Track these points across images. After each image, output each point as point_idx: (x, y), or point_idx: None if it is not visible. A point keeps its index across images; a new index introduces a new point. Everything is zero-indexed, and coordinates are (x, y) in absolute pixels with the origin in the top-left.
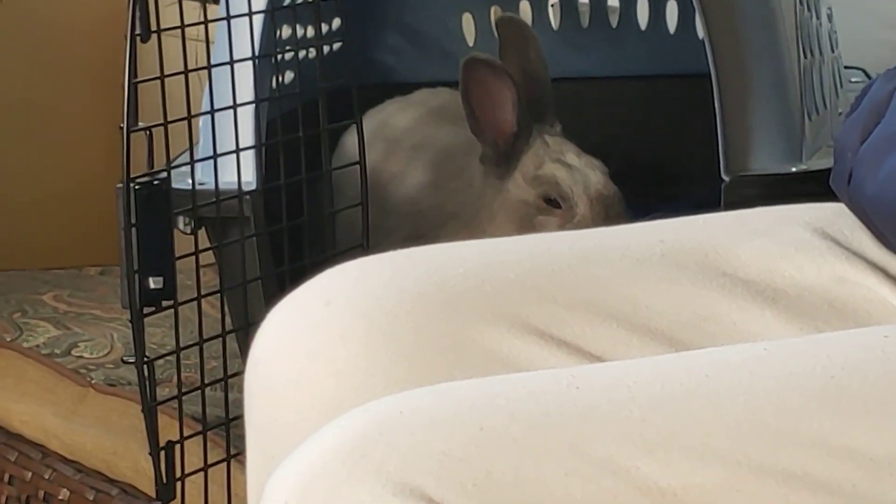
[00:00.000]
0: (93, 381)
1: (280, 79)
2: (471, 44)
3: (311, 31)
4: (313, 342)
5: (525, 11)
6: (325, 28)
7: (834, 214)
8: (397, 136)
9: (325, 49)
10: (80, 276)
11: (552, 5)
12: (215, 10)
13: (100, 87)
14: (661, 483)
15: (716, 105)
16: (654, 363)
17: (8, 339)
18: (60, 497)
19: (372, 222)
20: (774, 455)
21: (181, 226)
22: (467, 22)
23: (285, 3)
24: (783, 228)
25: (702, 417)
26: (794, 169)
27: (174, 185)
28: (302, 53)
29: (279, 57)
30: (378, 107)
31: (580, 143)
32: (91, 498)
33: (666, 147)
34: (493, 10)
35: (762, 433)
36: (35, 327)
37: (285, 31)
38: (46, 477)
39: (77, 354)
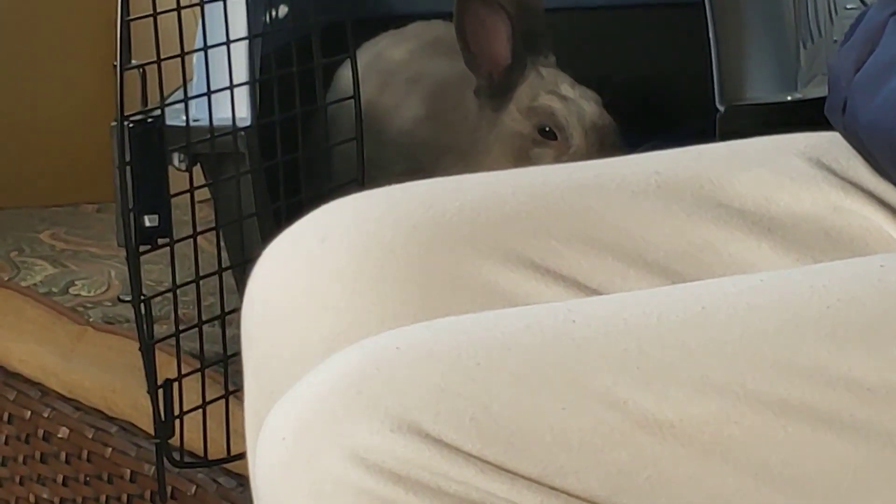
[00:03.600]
0: (91, 320)
1: (275, 13)
2: None
3: None
4: (309, 278)
5: None
6: None
7: (829, 143)
8: (392, 69)
9: None
10: (77, 213)
11: None
12: None
13: (94, 24)
14: (658, 415)
15: (709, 34)
16: (650, 295)
17: (5, 279)
18: (60, 435)
19: (368, 156)
20: (771, 386)
21: (176, 162)
22: None
23: None
24: (778, 158)
25: (698, 349)
26: (789, 97)
27: (168, 121)
28: None
29: None
30: (372, 40)
31: (575, 74)
32: (90, 436)
33: (662, 76)
34: None
35: (759, 364)
36: (32, 266)
37: None
38: (45, 415)
39: (75, 293)
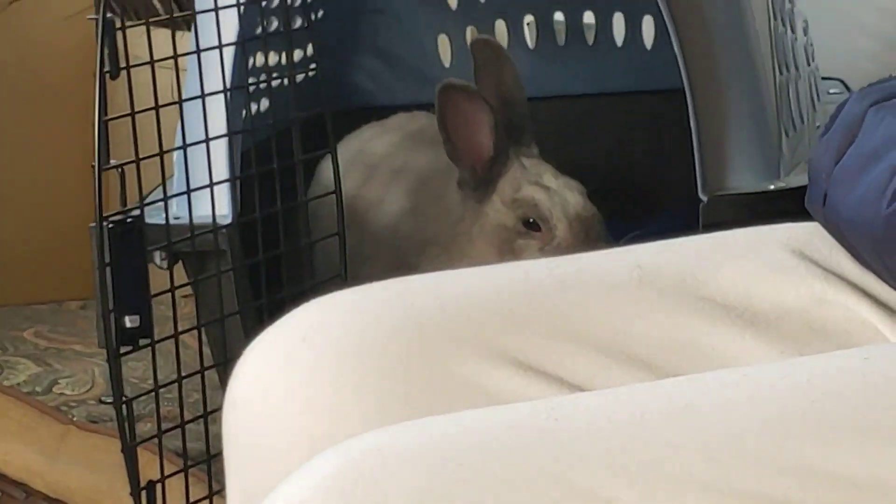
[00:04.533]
0: (74, 419)
1: (257, 107)
2: (447, 65)
3: (284, 58)
4: (289, 379)
5: (501, 31)
6: (298, 54)
7: (811, 234)
8: (375, 161)
9: (300, 76)
10: (61, 310)
11: (528, 24)
12: (186, 39)
13: (76, 120)
14: None
15: (691, 124)
16: (632, 392)
17: None
18: None
19: (351, 250)
20: (756, 482)
21: (157, 261)
22: (443, 43)
23: (257, 33)
24: (761, 250)
25: (682, 446)
26: (772, 187)
27: (149, 220)
28: (276, 81)
29: (251, 88)
30: (355, 132)
31: (559, 162)
32: None
33: (645, 163)
34: (468, 30)
35: (743, 460)
36: (16, 364)
37: (258, 59)
38: None
39: (58, 391)
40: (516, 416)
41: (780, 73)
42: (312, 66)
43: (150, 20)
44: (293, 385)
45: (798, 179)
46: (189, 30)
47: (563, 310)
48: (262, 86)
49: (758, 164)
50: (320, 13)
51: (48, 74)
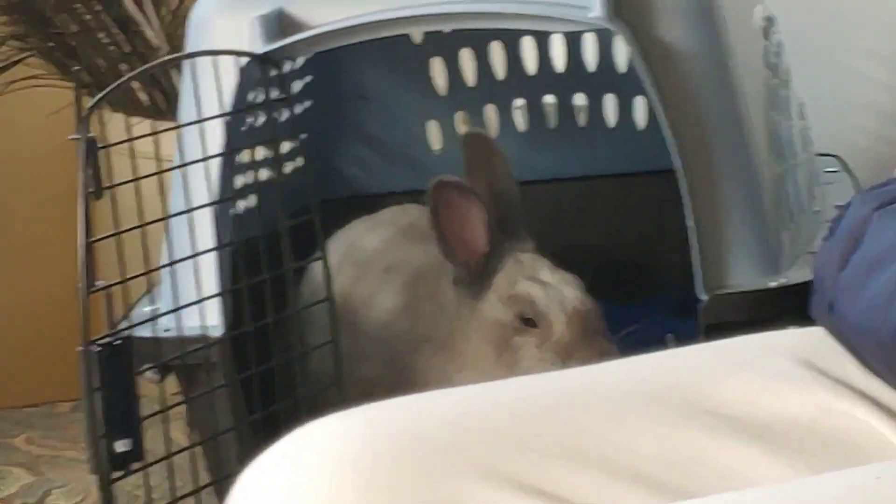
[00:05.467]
0: None
1: (245, 204)
2: (437, 150)
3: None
4: None
5: (490, 115)
6: (285, 146)
7: (818, 341)
8: (367, 258)
9: (288, 167)
10: (52, 414)
11: (518, 107)
12: (170, 137)
13: (66, 215)
14: None
15: (687, 220)
16: None
17: None
18: None
19: (345, 349)
20: None
21: (149, 374)
22: (432, 129)
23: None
24: (765, 360)
25: None
26: (773, 284)
27: (138, 333)
28: (264, 175)
29: (240, 183)
30: (346, 227)
31: (553, 245)
32: None
33: (642, 243)
34: (457, 115)
35: None
36: (7, 475)
37: (245, 155)
38: None
39: (51, 503)
40: None
41: (778, 165)
42: (300, 158)
43: (132, 138)
44: None
45: (799, 275)
46: (171, 118)
47: (565, 428)
48: (251, 181)
49: (757, 260)
50: (306, 104)
51: (39, 166)
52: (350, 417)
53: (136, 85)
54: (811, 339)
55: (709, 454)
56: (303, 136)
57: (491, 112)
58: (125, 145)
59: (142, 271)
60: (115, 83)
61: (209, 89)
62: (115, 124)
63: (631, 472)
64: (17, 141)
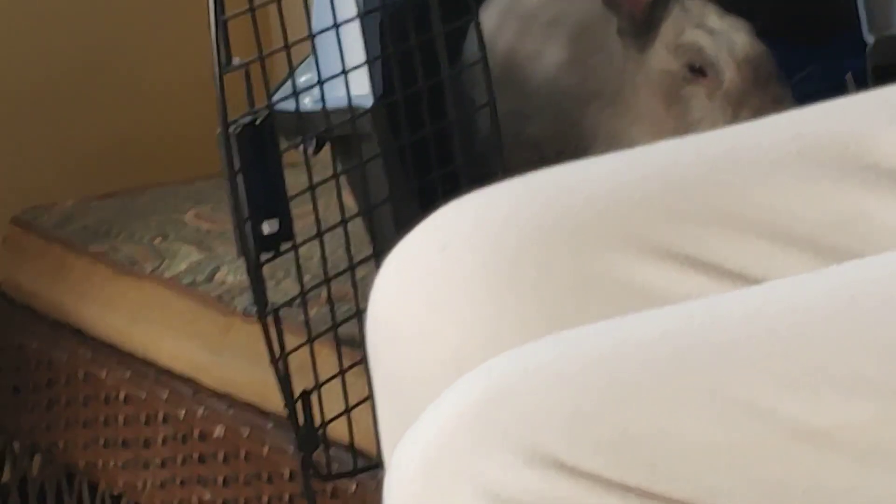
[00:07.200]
0: (237, 309)
1: None
2: None
3: None
4: (433, 292)
5: None
6: None
7: None
8: (530, 12)
9: None
10: (224, 186)
11: None
12: None
13: None
14: (811, 422)
15: None
16: (793, 286)
17: (149, 270)
18: (216, 434)
19: (511, 108)
20: None
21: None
22: None
23: None
24: None
25: (849, 346)
26: None
27: (280, 109)
28: None
29: None
30: None
31: None
32: (246, 435)
33: None
34: None
35: None
36: (177, 252)
37: None
38: (200, 414)
39: (220, 280)
40: (668, 322)
41: None
42: None
43: None
44: (437, 299)
45: None
46: None
47: (718, 193)
48: None
49: None
50: None
51: None
52: (494, 195)
53: None
54: None
55: (871, 213)
56: None
57: None
58: None
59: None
60: None
61: None
62: None
63: (790, 235)
64: None
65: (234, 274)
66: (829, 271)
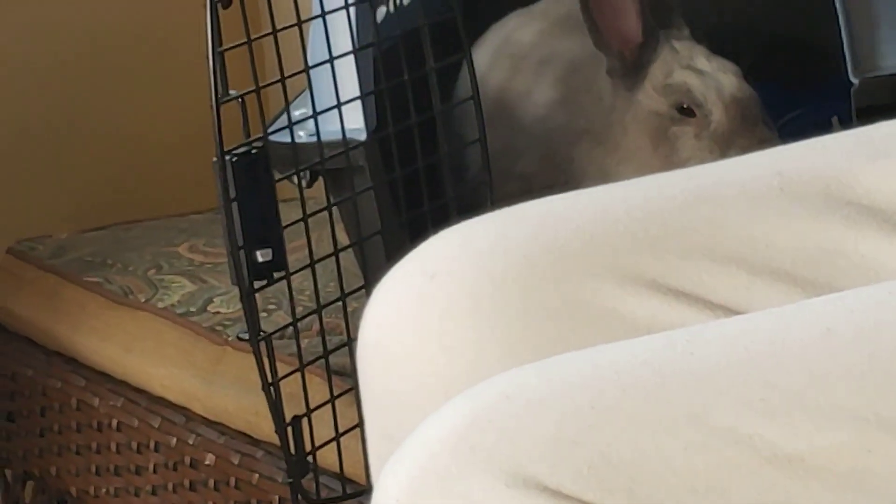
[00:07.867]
0: (229, 339)
1: (385, 9)
2: None
3: None
4: (421, 318)
5: None
6: None
7: None
8: (522, 51)
9: None
10: (217, 220)
11: None
12: None
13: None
14: (787, 448)
15: (836, 3)
16: (771, 318)
17: (143, 300)
18: (207, 462)
19: (501, 145)
20: None
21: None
22: None
23: None
24: None
25: (825, 374)
26: None
27: (276, 141)
28: None
29: None
30: (501, 21)
31: (709, 28)
32: (236, 462)
33: (806, 22)
34: None
35: (891, 386)
36: (170, 283)
37: None
38: (191, 442)
39: (213, 310)
40: (650, 350)
41: None
42: None
43: None
44: (424, 324)
45: None
46: None
47: (701, 225)
48: None
49: None
50: None
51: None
52: (481, 224)
53: None
54: None
55: (850, 248)
56: None
57: None
58: None
59: (276, 79)
60: None
61: None
62: None
63: (770, 268)
64: None
65: (226, 305)
66: (807, 303)
